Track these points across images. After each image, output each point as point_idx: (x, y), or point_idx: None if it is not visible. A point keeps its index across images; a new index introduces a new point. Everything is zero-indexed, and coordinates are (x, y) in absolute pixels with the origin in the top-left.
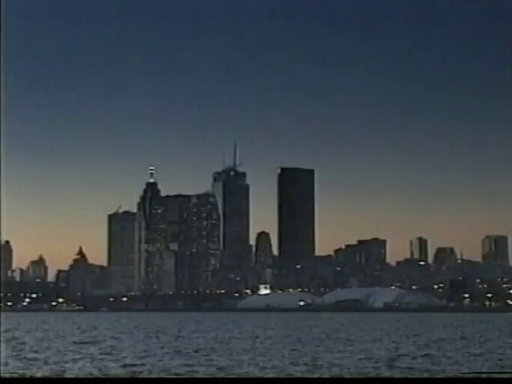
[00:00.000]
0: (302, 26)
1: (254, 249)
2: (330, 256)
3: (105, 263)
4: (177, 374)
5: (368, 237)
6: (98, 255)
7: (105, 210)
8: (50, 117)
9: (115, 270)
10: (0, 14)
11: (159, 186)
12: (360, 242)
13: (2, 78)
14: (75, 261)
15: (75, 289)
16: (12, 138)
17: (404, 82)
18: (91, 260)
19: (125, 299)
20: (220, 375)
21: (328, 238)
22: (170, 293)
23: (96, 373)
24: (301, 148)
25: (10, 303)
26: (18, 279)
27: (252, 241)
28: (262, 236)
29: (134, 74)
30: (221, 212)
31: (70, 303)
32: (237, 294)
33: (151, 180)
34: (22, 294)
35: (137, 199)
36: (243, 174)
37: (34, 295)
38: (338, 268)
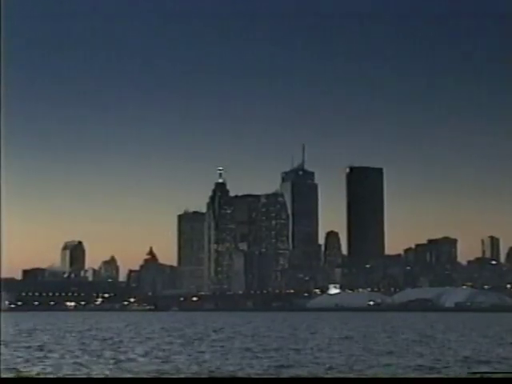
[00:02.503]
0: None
1: (323, 248)
2: (399, 255)
3: (175, 263)
4: (178, 374)
5: (438, 236)
6: (168, 255)
7: (175, 211)
8: (119, 117)
9: (185, 270)
10: (0, 13)
11: (228, 186)
12: (430, 241)
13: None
14: (146, 261)
15: (146, 289)
16: (92, 141)
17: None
18: (162, 260)
19: (195, 299)
20: (220, 375)
21: (398, 237)
22: (240, 292)
23: (96, 373)
24: (369, 147)
25: (82, 303)
26: (90, 279)
27: (321, 240)
28: (331, 235)
29: (200, 74)
30: (290, 212)
31: (141, 303)
32: (306, 294)
33: (220, 180)
34: (94, 294)
35: (206, 199)
36: (312, 174)
37: (105, 295)
38: (408, 267)
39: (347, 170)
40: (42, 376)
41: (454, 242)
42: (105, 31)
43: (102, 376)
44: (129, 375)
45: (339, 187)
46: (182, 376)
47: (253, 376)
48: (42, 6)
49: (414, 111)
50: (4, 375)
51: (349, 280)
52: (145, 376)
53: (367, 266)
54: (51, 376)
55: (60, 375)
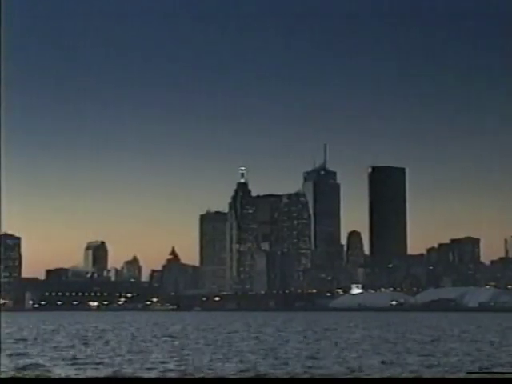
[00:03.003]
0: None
1: (345, 248)
2: (422, 255)
3: (197, 263)
4: (179, 374)
5: (461, 235)
6: (190, 255)
7: (197, 211)
8: (142, 117)
9: (207, 270)
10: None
11: (250, 186)
12: (453, 240)
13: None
14: (168, 261)
15: (168, 288)
16: (114, 141)
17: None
18: (184, 260)
19: (217, 299)
20: (220, 375)
21: (420, 237)
22: (262, 292)
23: (96, 373)
24: (392, 147)
25: (105, 302)
26: (113, 279)
27: (343, 240)
28: (354, 235)
29: (220, 74)
30: (311, 211)
31: (163, 303)
32: (328, 294)
33: (242, 180)
34: (117, 294)
35: (228, 199)
36: (334, 173)
37: (128, 295)
38: (431, 267)
39: (369, 169)
40: (42, 376)
41: (477, 241)
42: (115, 30)
43: (102, 376)
44: (129, 375)
45: (361, 187)
46: (182, 376)
47: (253, 376)
48: (43, 3)
49: (437, 111)
50: (4, 375)
51: (371, 280)
52: (145, 376)
53: (390, 265)
54: (51, 376)
55: (62, 375)
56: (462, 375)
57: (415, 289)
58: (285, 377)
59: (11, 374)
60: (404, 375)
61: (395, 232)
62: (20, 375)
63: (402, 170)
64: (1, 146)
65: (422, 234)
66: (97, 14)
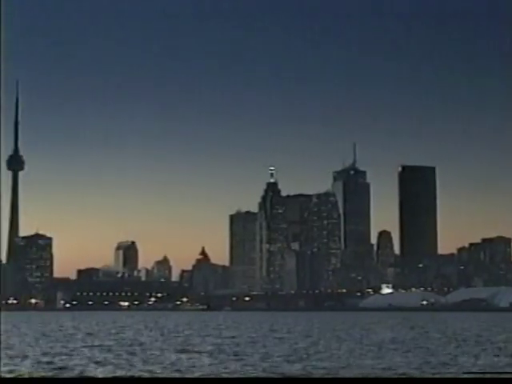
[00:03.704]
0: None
1: (375, 248)
2: (453, 255)
3: (227, 263)
4: (179, 374)
5: (493, 235)
6: (220, 255)
7: (227, 211)
8: (173, 117)
9: (237, 270)
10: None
11: (280, 186)
12: (484, 240)
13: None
14: (198, 261)
15: (198, 288)
16: (144, 140)
17: None
18: (214, 260)
19: (247, 299)
20: (220, 375)
21: (451, 237)
22: (292, 292)
23: (96, 373)
24: (422, 145)
25: (136, 302)
26: (143, 279)
27: (373, 240)
28: (384, 235)
29: (250, 74)
30: (341, 211)
31: (193, 303)
32: (359, 294)
33: (272, 180)
34: (147, 294)
35: (258, 199)
36: (363, 173)
37: (158, 294)
38: (462, 267)
39: (399, 168)
40: (42, 376)
41: (509, 241)
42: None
43: (102, 376)
44: (129, 375)
45: (391, 186)
46: (182, 376)
47: (253, 376)
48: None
49: (468, 110)
50: (4, 375)
51: (402, 280)
52: (145, 376)
53: (420, 265)
54: (51, 376)
55: (62, 375)
56: (459, 375)
57: (446, 289)
58: (285, 377)
59: (11, 374)
60: (404, 375)
61: (426, 231)
62: (20, 375)
63: (433, 169)
64: (18, 146)
65: (452, 233)
66: (96, 11)
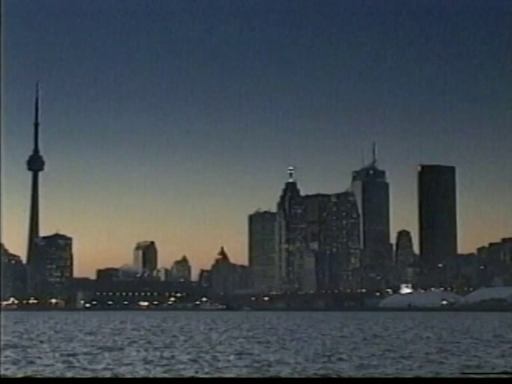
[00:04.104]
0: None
1: (394, 248)
2: (472, 254)
3: (246, 263)
4: (178, 374)
5: None
6: (239, 255)
7: (245, 211)
8: (191, 117)
9: (256, 270)
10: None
11: (299, 186)
12: (504, 240)
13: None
14: (217, 261)
15: (218, 288)
16: (162, 140)
17: None
18: (233, 260)
19: (266, 298)
20: (220, 375)
21: (471, 236)
22: (311, 292)
23: (96, 373)
24: (441, 145)
25: (155, 302)
26: (162, 279)
27: (392, 240)
28: (403, 235)
29: (270, 73)
30: (360, 211)
31: (213, 302)
32: (378, 294)
33: (290, 180)
34: (166, 294)
35: (276, 199)
36: (383, 173)
37: (178, 294)
38: (482, 267)
39: (419, 168)
40: (42, 376)
41: None
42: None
43: (103, 376)
44: (129, 375)
45: (411, 186)
46: (182, 376)
47: (253, 376)
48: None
49: (487, 109)
50: (4, 375)
51: (421, 279)
52: (145, 376)
53: (440, 265)
54: (51, 376)
55: (62, 375)
56: (459, 375)
57: (466, 288)
58: (285, 377)
59: (11, 374)
60: (404, 375)
61: (445, 231)
62: (20, 375)
63: (452, 169)
64: (38, 146)
65: (472, 233)
66: (115, 10)
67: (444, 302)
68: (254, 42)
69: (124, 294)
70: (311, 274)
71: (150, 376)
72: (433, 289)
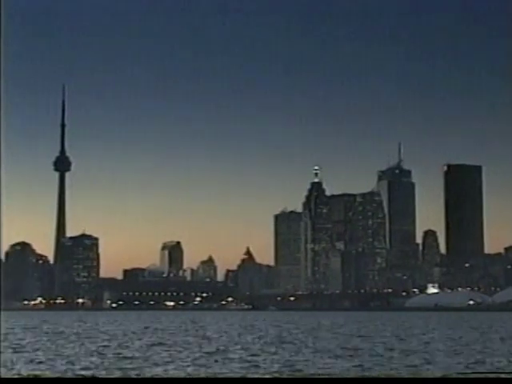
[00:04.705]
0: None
1: (420, 247)
2: (500, 254)
3: (272, 263)
4: (179, 374)
5: None
6: (265, 255)
7: (271, 210)
8: (218, 117)
9: (282, 270)
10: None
11: (324, 185)
12: None
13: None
14: (243, 261)
15: (244, 288)
16: (189, 141)
17: None
18: (259, 260)
19: (292, 298)
20: (220, 375)
21: (498, 236)
22: (337, 292)
23: (96, 373)
24: (468, 144)
25: (181, 302)
26: (188, 279)
27: (419, 239)
28: (429, 234)
29: (296, 74)
30: (386, 211)
31: (238, 302)
32: (404, 293)
33: (316, 179)
34: (192, 294)
35: (302, 199)
36: (408, 172)
37: (204, 294)
38: (509, 266)
39: (445, 167)
40: (41, 376)
41: None
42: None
43: (102, 376)
44: (129, 375)
45: (437, 185)
46: (182, 376)
47: (253, 376)
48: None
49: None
50: (4, 375)
51: (448, 279)
52: (144, 376)
53: (466, 264)
54: (51, 376)
55: (62, 375)
56: (459, 375)
57: (493, 288)
58: (285, 377)
59: (11, 374)
60: (404, 375)
61: (472, 231)
62: (20, 375)
63: (479, 168)
64: (64, 147)
65: (499, 232)
66: (125, 12)
67: (471, 302)
68: (282, 41)
69: (150, 293)
70: (337, 273)
71: (151, 376)
72: (460, 289)
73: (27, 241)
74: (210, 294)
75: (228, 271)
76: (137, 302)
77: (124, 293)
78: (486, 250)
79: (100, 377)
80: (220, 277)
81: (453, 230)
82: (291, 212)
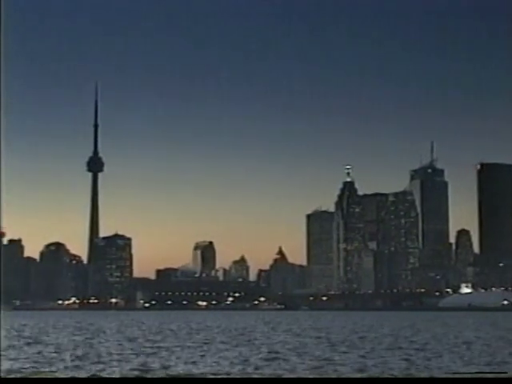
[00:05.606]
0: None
1: (454, 247)
2: None
3: (304, 262)
4: (178, 374)
5: None
6: (297, 255)
7: (303, 210)
8: (247, 117)
9: (315, 269)
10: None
11: (356, 185)
12: None
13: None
14: (275, 260)
15: (276, 288)
16: (221, 141)
17: None
18: (291, 259)
19: (324, 298)
20: (220, 375)
21: None
22: (370, 292)
23: (96, 373)
24: (501, 143)
25: (214, 302)
26: (221, 279)
27: (452, 239)
28: (463, 233)
29: (327, 74)
30: (419, 210)
31: (271, 302)
32: (437, 293)
33: (348, 179)
34: (225, 293)
35: (334, 198)
36: (441, 171)
37: (236, 294)
38: None
39: (478, 166)
40: (42, 376)
41: None
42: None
43: (102, 376)
44: (128, 375)
45: (470, 184)
46: (182, 376)
47: (252, 376)
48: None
49: None
50: (4, 375)
51: (481, 279)
52: (144, 376)
53: (500, 264)
54: (51, 376)
55: (62, 375)
56: (458, 375)
57: None
58: (285, 377)
59: (11, 374)
60: (404, 375)
61: (506, 230)
62: (20, 375)
63: None
64: (97, 148)
65: None
66: (156, 12)
67: (505, 302)
68: (309, 42)
69: (183, 293)
70: (369, 273)
71: (151, 376)
72: (493, 289)
73: (61, 241)
74: (243, 293)
75: (260, 271)
76: (169, 302)
77: (157, 293)
78: None
79: (100, 377)
80: (252, 277)
81: (486, 230)
82: (323, 212)
